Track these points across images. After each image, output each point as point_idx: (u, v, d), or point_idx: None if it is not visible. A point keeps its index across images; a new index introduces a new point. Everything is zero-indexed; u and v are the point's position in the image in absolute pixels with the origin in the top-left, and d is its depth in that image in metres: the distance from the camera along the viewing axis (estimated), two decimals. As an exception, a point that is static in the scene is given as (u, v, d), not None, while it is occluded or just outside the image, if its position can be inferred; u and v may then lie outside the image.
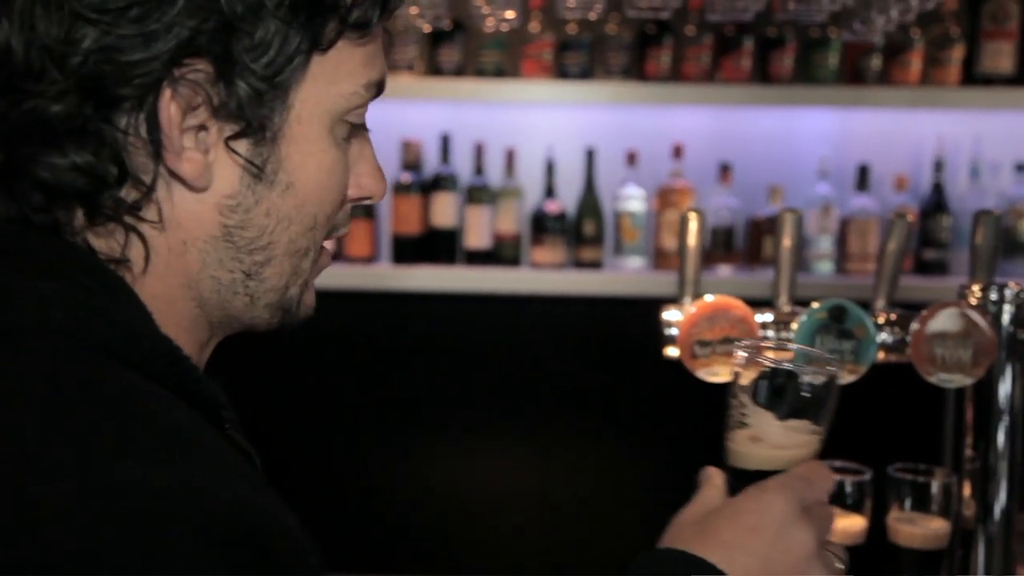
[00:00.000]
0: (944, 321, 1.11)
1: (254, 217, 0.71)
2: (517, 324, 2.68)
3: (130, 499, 0.54)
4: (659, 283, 2.60)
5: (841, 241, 2.69)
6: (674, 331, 1.14)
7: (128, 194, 0.67)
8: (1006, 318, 1.14)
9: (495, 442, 2.69)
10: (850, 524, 1.16)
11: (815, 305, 1.14)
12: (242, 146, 0.69)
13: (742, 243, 2.71)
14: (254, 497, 0.58)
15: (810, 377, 0.76)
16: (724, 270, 2.67)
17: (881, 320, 1.14)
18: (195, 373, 0.68)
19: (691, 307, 1.15)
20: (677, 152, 2.67)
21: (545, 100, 2.65)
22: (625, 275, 2.67)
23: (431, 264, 2.68)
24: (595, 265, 2.70)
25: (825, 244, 2.67)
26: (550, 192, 2.71)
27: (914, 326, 1.12)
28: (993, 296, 1.14)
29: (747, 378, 0.77)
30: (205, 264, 0.71)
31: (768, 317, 1.15)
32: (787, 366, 0.77)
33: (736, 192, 2.70)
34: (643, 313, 2.69)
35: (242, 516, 0.56)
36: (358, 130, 0.76)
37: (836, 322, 1.12)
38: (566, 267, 2.70)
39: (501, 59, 2.66)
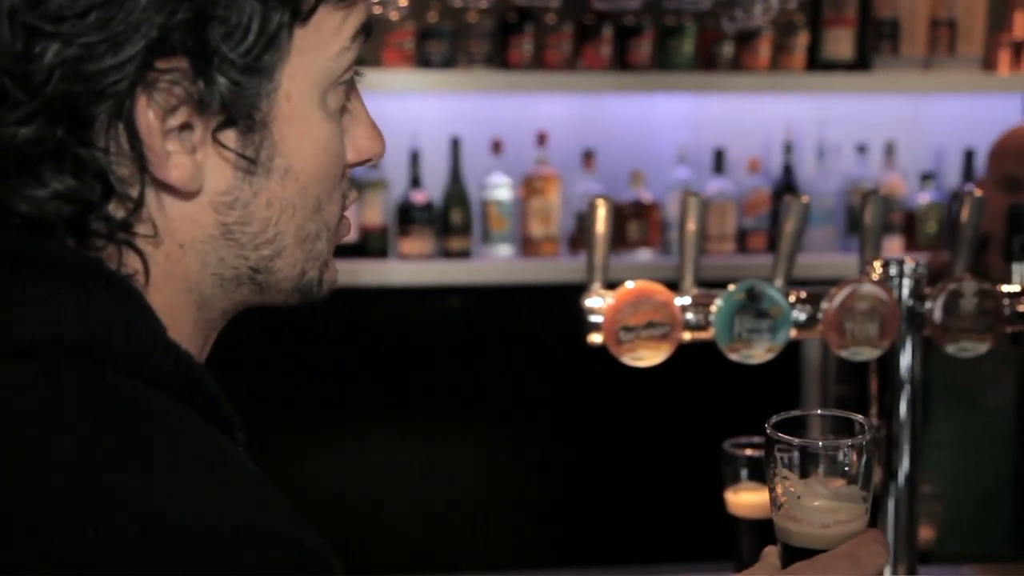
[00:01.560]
0: (852, 297, 1.16)
1: (255, 210, 0.66)
2: (387, 316, 2.65)
3: (194, 542, 0.51)
4: (528, 270, 2.62)
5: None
6: (598, 318, 1.14)
7: (116, 211, 0.62)
8: (905, 291, 1.20)
9: (369, 437, 2.65)
10: (760, 498, 1.19)
11: (731, 287, 1.16)
12: (231, 138, 0.63)
13: (607, 228, 2.75)
14: (304, 534, 0.56)
15: (850, 442, 0.76)
16: (591, 255, 2.70)
17: (792, 299, 1.18)
18: (213, 391, 0.63)
19: (603, 294, 1.16)
20: (541, 139, 2.69)
21: (408, 89, 2.62)
22: (494, 263, 2.67)
23: (297, 259, 2.60)
24: (464, 254, 2.69)
25: (686, 226, 2.74)
26: (416, 182, 2.68)
27: (824, 304, 1.17)
28: (893, 271, 1.20)
29: (786, 453, 0.76)
30: (205, 264, 0.66)
31: (687, 300, 1.17)
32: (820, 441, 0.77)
33: (600, 178, 2.74)
34: (513, 301, 2.72)
35: (302, 557, 0.55)
36: (350, 90, 0.71)
37: (753, 302, 1.15)
38: (434, 257, 2.68)
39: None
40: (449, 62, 2.64)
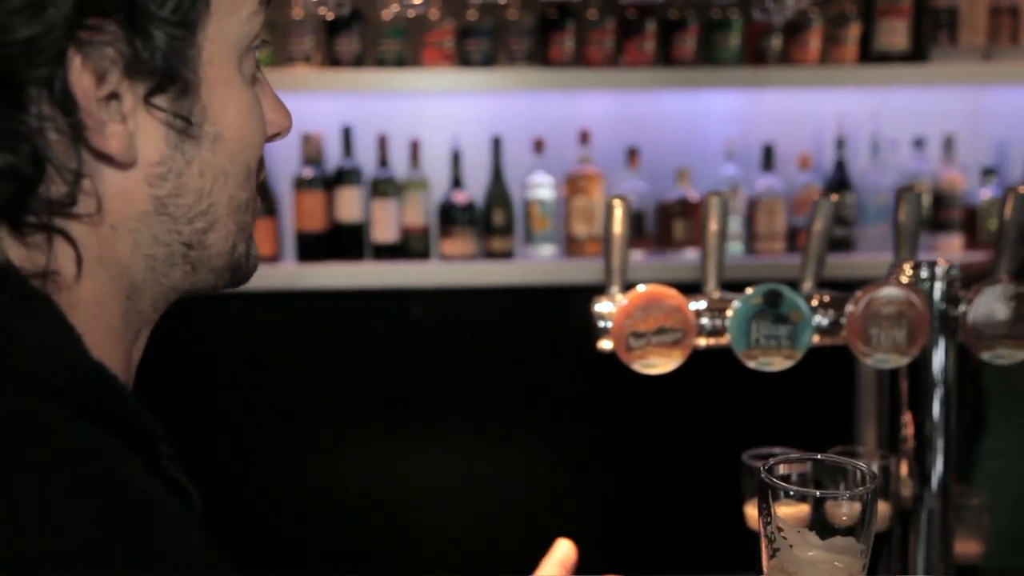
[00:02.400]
0: (878, 301, 1.10)
1: (188, 180, 0.64)
2: (428, 318, 2.63)
3: None
4: (571, 271, 2.58)
5: (749, 221, 2.70)
6: (607, 323, 1.10)
7: (52, 189, 0.59)
8: (937, 295, 1.13)
9: (411, 440, 2.63)
10: (796, 511, 1.14)
11: (749, 291, 1.11)
12: (163, 103, 0.62)
13: (652, 227, 2.70)
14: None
15: (850, 494, 0.72)
16: (636, 255, 2.65)
17: (815, 303, 1.12)
18: (131, 405, 0.60)
19: (621, 298, 1.11)
20: (584, 138, 2.64)
21: (448, 89, 2.59)
22: (536, 264, 2.63)
23: (337, 261, 2.60)
24: (506, 255, 2.65)
25: (734, 225, 2.67)
26: (457, 182, 2.65)
27: (848, 308, 1.11)
28: (924, 273, 1.13)
29: (786, 505, 0.71)
30: (137, 245, 0.64)
31: (702, 304, 1.12)
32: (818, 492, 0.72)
33: (644, 176, 2.68)
34: (556, 302, 2.68)
35: None
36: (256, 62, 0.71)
37: (771, 307, 1.09)
38: (476, 258, 2.65)
39: (401, 48, 2.59)
40: (489, 61, 2.61)
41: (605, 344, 1.10)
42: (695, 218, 2.65)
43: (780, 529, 0.72)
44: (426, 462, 2.62)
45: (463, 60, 2.60)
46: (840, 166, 2.72)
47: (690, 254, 2.64)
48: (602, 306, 1.12)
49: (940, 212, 2.71)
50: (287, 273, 2.54)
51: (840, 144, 2.71)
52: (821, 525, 0.72)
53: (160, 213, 0.64)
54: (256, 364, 2.58)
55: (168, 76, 0.61)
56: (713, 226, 1.20)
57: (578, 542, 1.21)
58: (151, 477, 0.58)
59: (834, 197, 1.20)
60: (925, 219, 2.71)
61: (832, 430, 1.63)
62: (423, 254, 2.64)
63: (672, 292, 1.10)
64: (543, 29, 2.62)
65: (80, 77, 0.58)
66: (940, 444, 1.14)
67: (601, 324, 1.10)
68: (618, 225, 1.19)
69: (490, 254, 2.65)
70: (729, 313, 1.10)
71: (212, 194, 0.66)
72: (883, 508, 1.13)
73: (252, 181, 0.69)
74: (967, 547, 1.47)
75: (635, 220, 2.66)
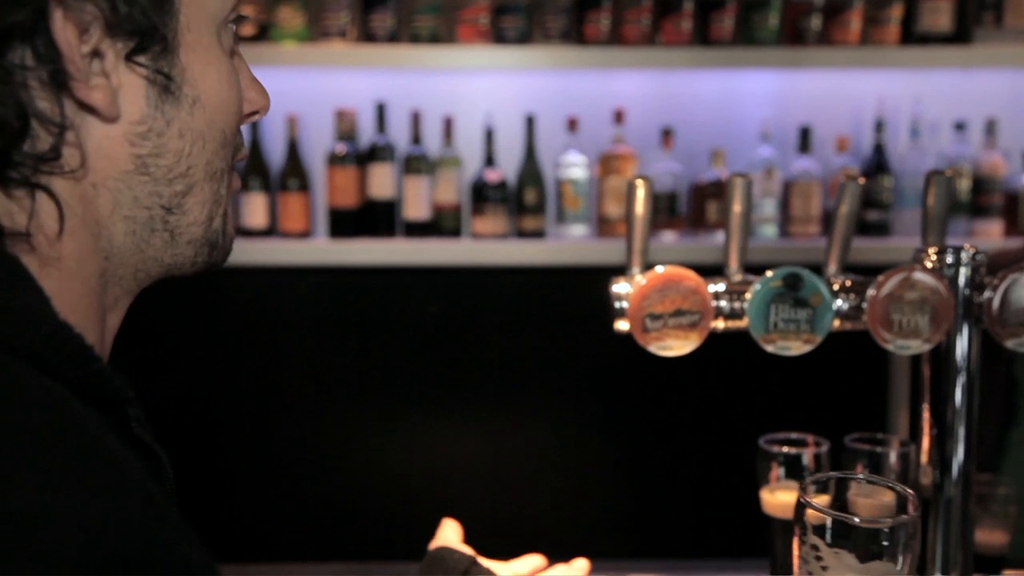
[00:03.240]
0: (901, 286, 1.08)
1: (168, 141, 0.66)
2: (459, 296, 2.63)
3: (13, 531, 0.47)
4: (603, 251, 2.56)
5: (784, 204, 2.67)
6: (624, 304, 1.09)
7: (37, 144, 0.60)
8: (962, 280, 1.11)
9: (440, 417, 2.64)
10: (795, 499, 1.13)
11: (769, 274, 1.09)
12: (144, 60, 0.64)
13: (686, 208, 2.68)
14: (146, 528, 0.52)
15: (892, 523, 0.70)
16: (668, 236, 2.63)
17: (836, 287, 1.11)
18: (97, 365, 0.61)
19: (640, 278, 1.10)
20: (618, 117, 2.63)
21: (482, 66, 2.58)
22: (568, 244, 2.62)
23: (369, 237, 2.61)
24: (537, 234, 2.65)
25: (769, 207, 2.65)
26: (490, 160, 2.64)
27: (870, 292, 1.09)
28: (949, 259, 1.11)
29: (819, 518, 0.70)
30: (118, 205, 0.65)
31: (720, 287, 1.11)
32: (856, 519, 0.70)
33: (678, 157, 2.66)
34: (587, 282, 2.66)
35: (127, 546, 0.50)
36: (236, 39, 0.73)
37: (791, 291, 1.08)
38: (508, 237, 2.64)
39: (436, 24, 2.58)
40: (524, 38, 2.59)
41: (622, 325, 1.09)
42: (729, 200, 2.63)
43: (816, 548, 0.70)
44: (453, 440, 2.63)
45: (498, 37, 2.59)
46: (878, 149, 2.68)
47: (723, 236, 2.61)
48: (620, 287, 1.11)
49: (980, 197, 2.66)
50: (319, 249, 2.55)
51: (879, 127, 2.67)
52: (862, 548, 0.70)
53: (141, 173, 0.65)
54: (286, 338, 2.60)
55: (148, 34, 0.62)
56: (737, 208, 1.19)
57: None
58: (110, 432, 0.58)
59: (861, 180, 1.18)
60: (964, 204, 2.67)
61: (865, 416, 1.61)
62: (455, 232, 2.64)
63: (690, 274, 1.09)
64: (579, 7, 2.60)
65: (63, 28, 0.59)
66: (961, 432, 1.12)
67: (618, 305, 1.10)
68: (640, 205, 1.18)
69: (522, 233, 2.65)
70: (748, 296, 1.09)
71: (191, 156, 0.67)
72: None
73: (228, 151, 0.70)
74: (993, 537, 1.45)
75: (668, 201, 2.64)
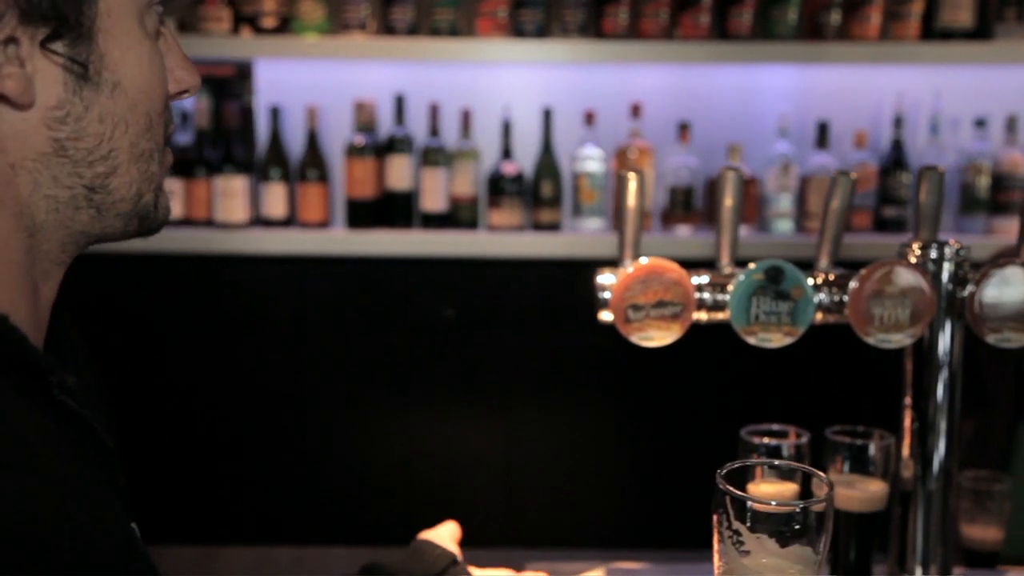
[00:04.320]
0: (882, 280, 1.09)
1: (87, 125, 0.66)
2: (475, 288, 2.65)
3: None
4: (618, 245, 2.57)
5: (801, 199, 2.67)
6: (607, 295, 1.11)
7: None
8: (945, 276, 1.12)
9: (455, 407, 2.67)
10: (787, 489, 1.14)
11: (751, 266, 1.11)
12: (59, 48, 0.64)
13: (701, 203, 2.68)
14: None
15: (803, 504, 0.72)
16: (683, 230, 2.64)
17: (819, 280, 1.12)
18: (14, 334, 0.63)
19: (623, 270, 1.12)
20: (635, 111, 2.64)
21: (501, 59, 2.60)
22: (584, 237, 2.63)
23: (387, 228, 2.64)
24: (553, 227, 2.67)
25: (785, 202, 2.65)
26: (507, 153, 2.67)
27: (852, 286, 1.10)
28: (933, 254, 1.12)
29: (736, 507, 0.72)
30: (38, 184, 0.66)
31: (704, 279, 1.12)
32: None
33: (695, 151, 2.67)
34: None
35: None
36: (162, 20, 0.73)
37: (772, 283, 1.09)
38: (524, 229, 2.66)
39: (455, 17, 2.61)
40: (543, 31, 2.61)
41: (605, 315, 1.11)
42: (746, 194, 2.63)
43: (738, 534, 0.72)
44: (466, 431, 2.66)
45: (516, 31, 2.61)
46: (897, 145, 2.66)
47: (740, 231, 2.62)
48: (604, 278, 1.13)
49: (999, 194, 2.64)
50: (337, 239, 2.59)
51: (898, 123, 2.66)
52: (780, 533, 0.72)
53: (59, 155, 0.66)
54: (304, 327, 2.64)
55: (62, 22, 0.63)
56: (728, 202, 1.20)
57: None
58: (20, 403, 0.60)
59: (854, 175, 1.18)
60: (983, 201, 2.65)
61: (857, 409, 1.62)
62: (471, 224, 2.67)
63: (673, 266, 1.11)
64: (597, 1, 2.61)
65: None
66: (943, 427, 1.13)
67: (602, 295, 1.12)
68: (632, 198, 1.19)
69: (537, 226, 2.67)
70: (730, 288, 1.11)
71: (113, 140, 0.68)
72: (880, 487, 1.13)
73: (156, 132, 0.71)
74: (987, 533, 1.45)
75: (684, 195, 2.64)
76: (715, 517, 0.74)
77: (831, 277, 1.13)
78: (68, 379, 0.67)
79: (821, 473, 0.75)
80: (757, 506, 0.72)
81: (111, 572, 0.57)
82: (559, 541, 2.59)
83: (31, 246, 0.68)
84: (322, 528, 2.65)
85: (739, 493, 0.72)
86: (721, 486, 0.73)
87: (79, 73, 0.65)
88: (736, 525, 0.72)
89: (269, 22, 2.60)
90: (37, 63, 0.64)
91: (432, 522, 1.22)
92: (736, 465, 0.76)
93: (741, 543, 0.71)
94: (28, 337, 0.64)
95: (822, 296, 1.11)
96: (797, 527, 0.71)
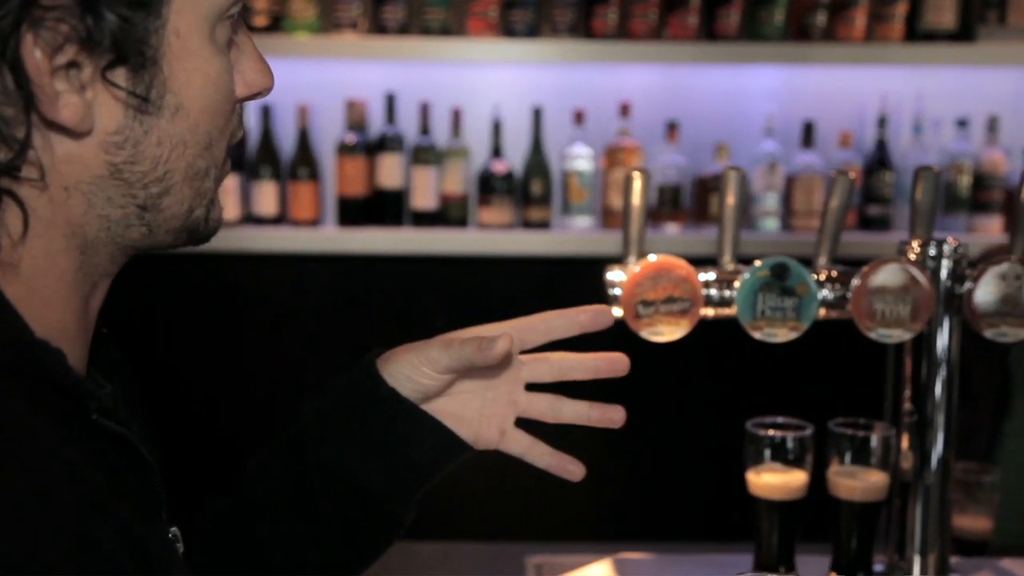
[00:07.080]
0: (884, 277, 1.12)
1: (145, 149, 0.65)
2: (465, 285, 2.67)
3: None
4: (608, 242, 2.60)
5: (787, 198, 2.70)
6: (618, 291, 1.14)
7: (1, 155, 0.61)
8: (944, 273, 1.15)
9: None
10: (792, 479, 1.17)
11: (757, 263, 1.14)
12: (121, 76, 0.63)
13: (689, 201, 2.72)
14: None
15: None
16: (671, 228, 2.67)
17: (822, 277, 1.15)
18: (51, 360, 0.63)
19: (635, 267, 1.15)
20: (624, 110, 2.66)
21: (491, 59, 2.62)
22: (573, 235, 2.66)
23: (377, 226, 2.65)
24: (543, 225, 2.69)
25: (771, 201, 2.68)
26: (497, 152, 2.69)
27: (855, 282, 1.13)
28: (932, 252, 1.15)
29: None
30: (91, 205, 0.65)
31: (711, 276, 1.15)
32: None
33: (683, 150, 2.70)
34: (592, 273, 2.69)
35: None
36: (237, 24, 0.70)
37: (778, 280, 1.12)
38: (514, 227, 2.69)
39: (446, 17, 2.63)
40: (533, 31, 2.64)
41: (615, 311, 1.14)
42: (732, 193, 2.66)
43: None
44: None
45: (507, 30, 2.63)
46: (881, 145, 2.71)
47: (726, 229, 2.65)
48: (614, 274, 1.15)
49: (980, 193, 2.69)
50: (327, 237, 2.60)
51: (882, 123, 2.70)
52: None
53: (115, 178, 0.65)
54: (294, 325, 2.65)
55: (125, 52, 0.62)
56: (730, 200, 1.23)
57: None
58: (52, 427, 0.61)
59: (852, 174, 1.22)
60: (965, 200, 2.70)
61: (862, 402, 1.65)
62: (461, 222, 2.69)
63: (681, 263, 1.14)
64: (587, 1, 2.63)
65: (32, 51, 0.59)
66: (941, 421, 1.16)
67: (612, 292, 1.14)
68: (637, 197, 1.22)
69: (527, 224, 2.69)
70: (737, 285, 1.14)
71: (169, 162, 0.66)
72: (881, 478, 1.16)
73: (216, 148, 0.69)
74: (977, 523, 1.49)
75: (672, 194, 2.68)
76: None
77: (834, 274, 1.16)
78: (106, 399, 0.67)
79: None
80: None
81: None
82: (561, 534, 2.61)
83: (82, 263, 0.67)
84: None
85: None
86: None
87: (141, 98, 0.64)
88: None
89: (260, 20, 2.61)
90: (98, 88, 0.63)
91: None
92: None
93: None
94: (72, 368, 0.65)
95: (825, 292, 1.15)
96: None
